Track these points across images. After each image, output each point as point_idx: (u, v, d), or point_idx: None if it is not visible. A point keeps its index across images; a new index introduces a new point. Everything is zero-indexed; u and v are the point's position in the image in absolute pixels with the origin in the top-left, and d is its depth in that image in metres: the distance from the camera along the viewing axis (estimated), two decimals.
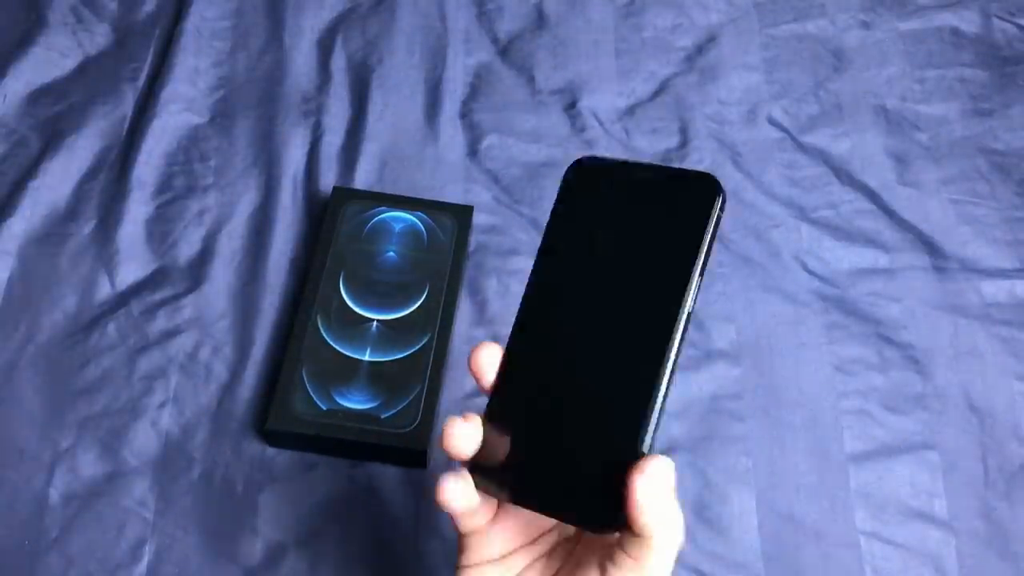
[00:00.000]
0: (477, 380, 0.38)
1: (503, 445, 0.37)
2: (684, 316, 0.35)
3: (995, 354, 0.66)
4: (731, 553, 0.58)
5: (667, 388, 0.35)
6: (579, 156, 0.39)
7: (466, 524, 0.39)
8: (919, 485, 0.61)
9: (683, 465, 0.61)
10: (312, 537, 0.57)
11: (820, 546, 0.59)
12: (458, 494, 0.37)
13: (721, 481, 0.60)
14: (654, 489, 0.33)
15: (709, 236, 0.35)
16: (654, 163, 0.37)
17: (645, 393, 0.35)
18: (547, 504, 0.36)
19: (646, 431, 0.35)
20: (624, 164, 0.38)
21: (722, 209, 0.36)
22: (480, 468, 0.37)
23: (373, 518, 0.58)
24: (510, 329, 0.39)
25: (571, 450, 0.36)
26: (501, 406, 0.38)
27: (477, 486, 0.37)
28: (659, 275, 0.36)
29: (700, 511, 0.59)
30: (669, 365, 0.35)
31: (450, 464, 0.38)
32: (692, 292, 0.35)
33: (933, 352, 0.66)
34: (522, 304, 0.39)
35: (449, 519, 0.39)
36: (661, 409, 0.35)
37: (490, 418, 0.38)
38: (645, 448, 0.35)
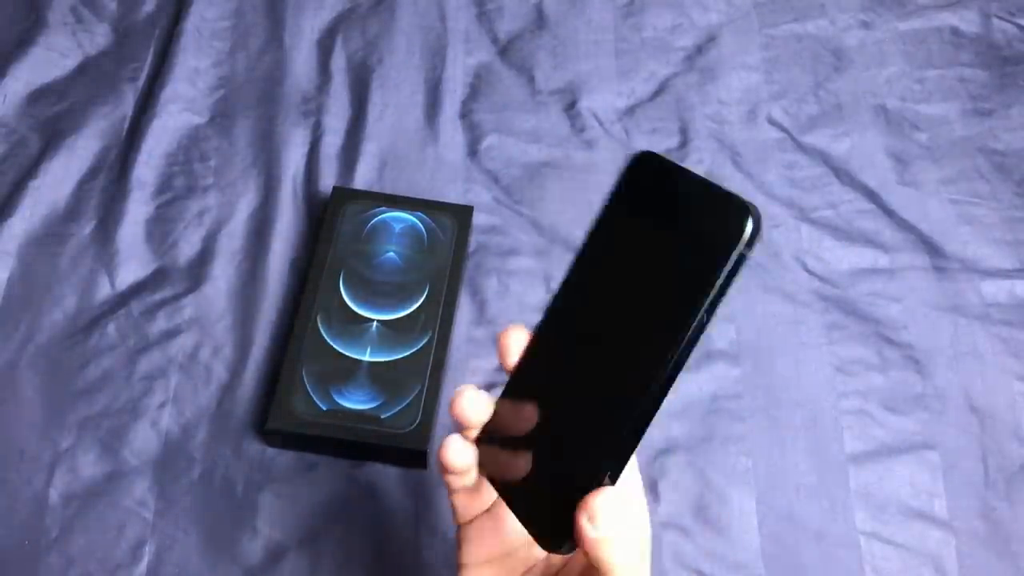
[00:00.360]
0: (500, 359, 0.38)
1: (504, 434, 0.37)
2: (678, 353, 0.33)
3: (995, 354, 0.66)
4: (731, 553, 0.58)
5: (644, 423, 0.33)
6: (641, 150, 0.37)
7: (463, 507, 0.39)
8: (919, 485, 0.61)
9: (683, 465, 0.61)
10: (312, 537, 0.57)
11: (820, 546, 0.59)
12: (458, 452, 0.37)
13: (721, 481, 0.60)
14: (602, 527, 0.32)
15: (728, 270, 0.32)
16: (706, 179, 0.34)
17: (619, 424, 0.33)
18: (517, 507, 0.36)
19: (607, 463, 0.33)
20: (679, 171, 0.35)
21: (750, 245, 0.31)
22: (483, 450, 0.38)
23: (373, 518, 0.58)
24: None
25: (548, 461, 0.36)
26: (511, 396, 0.38)
27: (480, 464, 0.38)
28: (670, 302, 0.33)
29: (700, 511, 0.59)
30: (651, 402, 0.33)
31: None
32: (693, 329, 0.32)
33: (933, 352, 0.66)
34: (554, 296, 0.38)
35: (449, 506, 0.39)
36: (632, 442, 0.33)
37: (500, 405, 0.38)
38: (605, 479, 0.33)
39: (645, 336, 0.34)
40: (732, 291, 0.32)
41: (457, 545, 0.40)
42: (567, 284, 0.38)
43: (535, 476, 0.36)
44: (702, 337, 0.33)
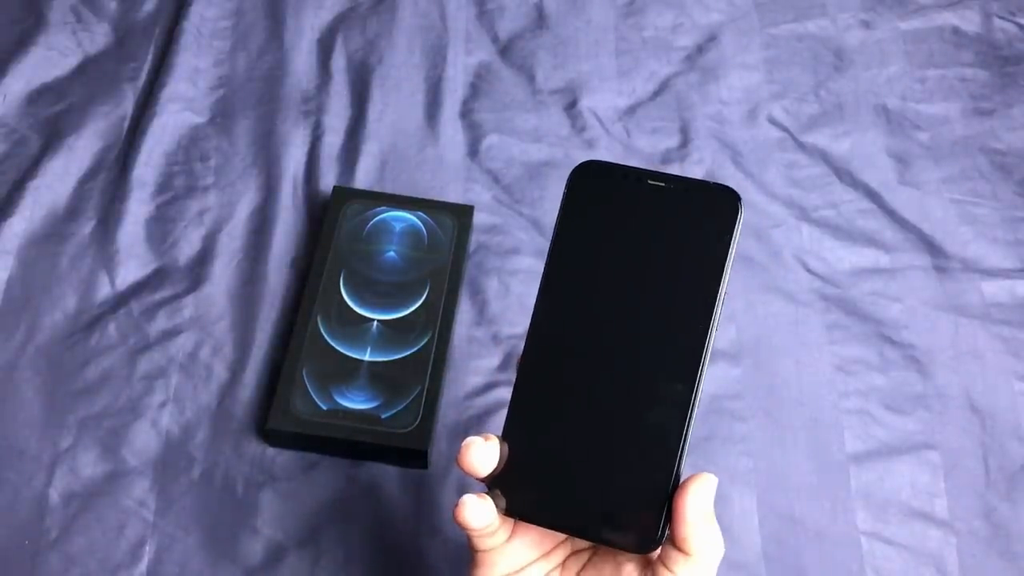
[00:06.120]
0: (474, 476, 0.38)
1: (527, 467, 0.37)
2: (713, 334, 0.35)
3: (996, 354, 0.66)
4: (731, 553, 0.58)
5: (695, 407, 0.35)
6: (583, 160, 0.38)
7: (484, 543, 0.38)
8: (920, 485, 0.61)
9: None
10: (312, 537, 0.57)
11: (821, 546, 0.59)
12: (477, 513, 0.36)
13: (722, 481, 0.60)
14: (702, 508, 0.34)
15: (733, 252, 0.35)
16: (666, 172, 0.37)
17: (679, 414, 0.34)
18: (581, 528, 0.36)
19: (684, 452, 0.35)
20: (634, 171, 0.37)
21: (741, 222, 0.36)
22: (503, 489, 0.37)
23: (373, 518, 0.58)
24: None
25: (604, 473, 0.35)
26: (521, 428, 0.37)
27: (500, 508, 0.37)
28: (684, 292, 0.35)
29: None
30: (701, 384, 0.35)
31: (453, 463, 0.38)
32: (719, 309, 0.35)
33: (934, 352, 0.66)
34: (534, 317, 0.38)
35: (467, 540, 0.38)
36: (690, 427, 0.35)
37: (511, 440, 0.37)
38: (682, 468, 0.35)
39: (674, 325, 0.35)
40: (732, 289, 0.34)
41: (472, 566, 0.40)
42: (549, 305, 0.37)
43: (594, 492, 0.36)
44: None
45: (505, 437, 0.37)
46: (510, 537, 0.39)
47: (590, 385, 0.36)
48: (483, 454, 0.37)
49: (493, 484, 0.37)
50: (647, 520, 0.34)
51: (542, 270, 0.38)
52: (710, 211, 0.35)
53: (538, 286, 0.38)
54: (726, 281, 0.35)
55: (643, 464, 0.35)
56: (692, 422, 0.35)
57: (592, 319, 0.36)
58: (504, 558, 0.39)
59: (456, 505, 0.37)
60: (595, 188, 0.37)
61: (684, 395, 0.35)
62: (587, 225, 0.37)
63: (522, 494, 0.37)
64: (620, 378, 0.35)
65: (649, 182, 0.36)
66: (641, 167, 0.37)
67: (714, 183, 0.36)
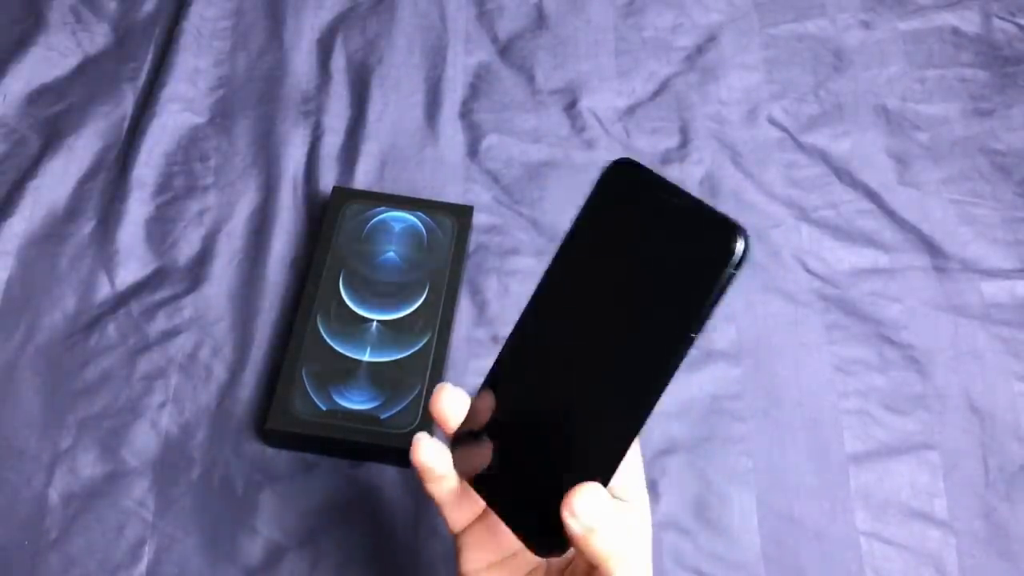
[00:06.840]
0: (441, 425, 0.38)
1: (480, 435, 0.37)
2: (671, 367, 0.33)
3: (995, 354, 0.66)
4: (731, 553, 0.58)
5: (635, 432, 0.33)
6: (620, 157, 0.36)
7: (453, 516, 0.39)
8: (919, 485, 0.61)
9: (683, 465, 0.61)
10: (312, 537, 0.57)
11: (820, 546, 0.59)
12: (428, 452, 0.37)
13: (721, 481, 0.60)
14: (586, 520, 0.33)
15: (715, 294, 0.32)
16: (689, 192, 0.34)
17: (614, 434, 0.33)
18: (503, 511, 0.36)
19: (597, 469, 0.34)
20: (662, 183, 0.35)
21: (738, 267, 0.32)
22: (462, 452, 0.38)
23: (373, 518, 0.58)
24: (511, 329, 0.38)
25: (534, 467, 0.36)
26: (487, 397, 0.38)
27: (457, 468, 0.38)
28: (659, 319, 0.33)
29: (700, 511, 0.59)
30: (641, 412, 0.33)
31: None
32: (684, 352, 0.33)
33: (933, 352, 0.66)
34: (532, 299, 0.38)
35: (440, 517, 0.39)
36: (622, 449, 0.33)
37: (477, 404, 0.38)
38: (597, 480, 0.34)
39: (635, 350, 0.33)
40: (730, 292, 0.32)
41: (456, 553, 0.40)
42: (544, 291, 0.37)
43: (521, 480, 0.36)
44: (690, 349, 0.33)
45: (474, 400, 0.38)
46: (489, 520, 0.39)
47: (549, 382, 0.36)
48: (451, 401, 0.38)
49: (453, 439, 0.38)
50: (549, 525, 0.34)
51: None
52: (710, 244, 0.32)
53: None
54: (702, 324, 0.32)
55: (563, 472, 0.34)
56: (623, 440, 0.33)
57: (572, 320, 0.36)
58: (486, 544, 0.39)
59: (411, 445, 0.38)
60: (622, 191, 0.36)
61: (621, 417, 0.33)
62: (601, 229, 0.36)
63: (470, 456, 0.37)
64: (575, 388, 0.35)
65: (668, 197, 0.34)
66: (671, 182, 0.35)
67: (722, 215, 0.32)
